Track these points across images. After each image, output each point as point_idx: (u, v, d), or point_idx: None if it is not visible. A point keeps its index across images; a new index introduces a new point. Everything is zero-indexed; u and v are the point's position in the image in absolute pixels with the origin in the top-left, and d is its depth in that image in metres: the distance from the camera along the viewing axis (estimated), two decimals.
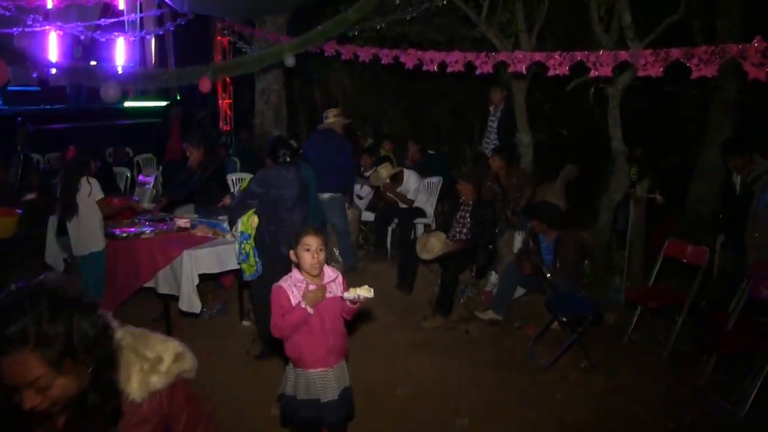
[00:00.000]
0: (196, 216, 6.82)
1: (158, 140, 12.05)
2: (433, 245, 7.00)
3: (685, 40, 5.10)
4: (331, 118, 7.86)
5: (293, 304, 3.66)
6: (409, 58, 6.43)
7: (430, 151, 10.95)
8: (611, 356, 6.04)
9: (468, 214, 7.26)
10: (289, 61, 6.83)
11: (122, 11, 14.82)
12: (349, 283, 3.95)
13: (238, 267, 5.77)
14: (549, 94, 10.98)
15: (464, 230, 7.26)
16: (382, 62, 6.80)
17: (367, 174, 9.69)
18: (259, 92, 11.67)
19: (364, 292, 3.67)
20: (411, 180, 8.97)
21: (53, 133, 14.69)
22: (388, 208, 9.02)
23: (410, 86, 14.45)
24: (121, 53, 16.21)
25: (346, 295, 3.69)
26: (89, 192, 6.13)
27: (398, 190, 8.86)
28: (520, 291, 7.22)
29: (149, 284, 6.13)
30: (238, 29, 11.38)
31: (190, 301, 5.77)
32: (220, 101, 16.60)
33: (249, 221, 5.46)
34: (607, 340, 6.37)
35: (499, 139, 9.03)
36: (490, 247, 7.26)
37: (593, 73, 4.92)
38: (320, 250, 3.74)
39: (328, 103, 15.45)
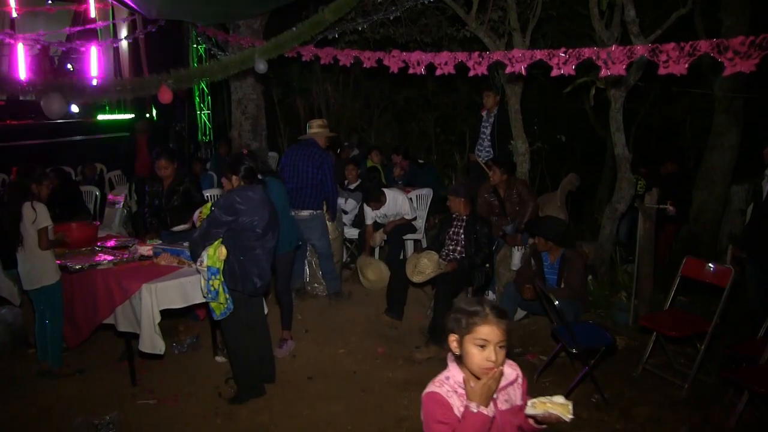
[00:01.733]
0: (159, 242, 6.12)
1: (126, 156, 11.29)
2: (424, 266, 6.34)
3: (689, 36, 4.54)
4: (315, 128, 7.18)
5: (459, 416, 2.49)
6: (394, 61, 5.78)
7: (420, 161, 10.30)
8: (625, 389, 5.38)
9: (462, 231, 6.61)
10: (260, 66, 6.15)
11: (94, 19, 14.31)
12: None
13: (204, 301, 5.04)
14: (545, 98, 10.39)
15: (458, 248, 6.61)
16: (364, 65, 6.15)
17: (352, 186, 9.04)
18: (235, 102, 11.00)
19: (560, 410, 2.47)
20: (399, 200, 8.15)
21: (21, 150, 14.00)
22: (374, 225, 8.36)
23: (396, 93, 13.90)
24: (94, 64, 15.54)
25: (531, 410, 2.53)
26: (33, 219, 5.40)
27: (391, 214, 8.15)
28: (520, 313, 6.58)
29: (109, 320, 5.44)
30: (212, 35, 10.74)
31: (152, 342, 5.07)
32: (198, 112, 16.03)
33: (216, 253, 4.75)
34: (619, 370, 5.71)
35: (492, 146, 8.42)
36: (487, 266, 6.60)
37: (605, 72, 4.28)
38: (501, 346, 2.52)
39: (311, 113, 14.89)
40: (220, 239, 4.75)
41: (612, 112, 7.37)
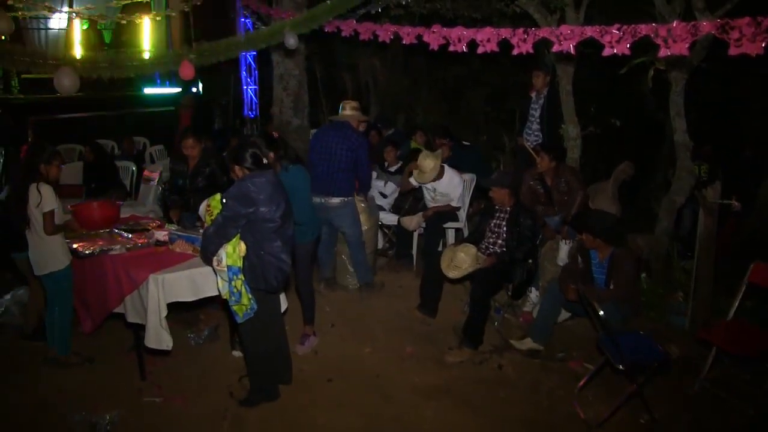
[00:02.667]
0: (175, 227, 5.74)
1: (169, 130, 11.02)
2: (461, 261, 5.87)
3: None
4: (348, 110, 6.68)
5: None
6: (434, 37, 5.34)
7: (465, 142, 9.75)
8: (679, 410, 4.83)
9: (504, 223, 6.10)
10: (290, 41, 5.71)
11: None
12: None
13: (217, 294, 4.64)
14: (599, 79, 9.74)
15: (499, 241, 6.10)
16: (404, 42, 5.71)
17: (392, 169, 8.56)
18: (277, 78, 10.59)
19: None
20: (454, 182, 7.50)
21: (66, 123, 13.95)
22: (413, 209, 7.89)
23: (445, 70, 13.35)
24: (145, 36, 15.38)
25: None
26: (38, 202, 5.06)
27: (439, 192, 7.59)
28: (564, 314, 6.07)
29: (120, 310, 5.10)
30: (255, 8, 10.38)
31: (158, 337, 4.69)
32: (245, 87, 15.73)
33: (236, 251, 4.32)
34: (672, 386, 5.14)
35: (541, 130, 7.87)
36: (530, 261, 6.09)
37: (664, 52, 3.74)
38: None
39: (358, 89, 14.47)
40: (238, 235, 4.34)
41: (672, 96, 6.81)
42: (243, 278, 4.33)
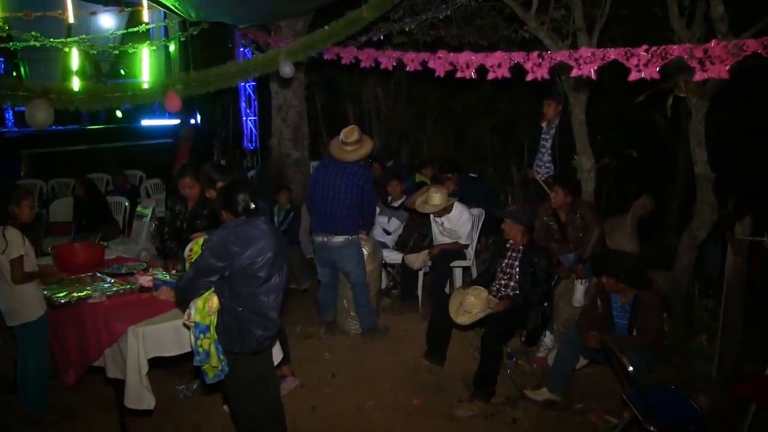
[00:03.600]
0: (160, 273, 5.30)
1: (167, 163, 10.63)
2: (471, 305, 5.41)
3: None
4: (350, 147, 6.23)
5: None
6: (440, 63, 4.95)
7: (471, 174, 9.33)
8: None
9: (517, 263, 5.65)
10: (285, 70, 5.34)
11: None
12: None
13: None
14: (613, 108, 9.34)
15: (511, 284, 5.65)
16: (408, 69, 5.33)
17: (395, 204, 8.13)
18: (276, 108, 10.25)
19: None
20: (463, 218, 7.14)
21: (62, 156, 13.66)
22: (418, 246, 7.45)
23: (452, 99, 13.00)
24: (144, 66, 15.13)
25: None
26: (4, 248, 4.62)
27: (447, 227, 7.19)
28: (582, 360, 5.59)
29: (99, 363, 4.65)
30: (253, 37, 10.04)
31: (139, 396, 4.24)
32: (244, 118, 15.43)
33: (205, 306, 3.84)
34: None
35: (553, 161, 7.44)
36: (545, 305, 5.64)
37: (701, 76, 3.33)
38: None
39: (361, 120, 14.13)
40: (212, 288, 3.89)
41: (692, 125, 6.39)
42: (214, 337, 3.85)
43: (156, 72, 15.51)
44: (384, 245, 7.70)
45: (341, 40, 6.50)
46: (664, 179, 11.00)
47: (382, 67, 5.82)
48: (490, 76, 4.50)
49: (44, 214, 9.96)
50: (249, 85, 15.51)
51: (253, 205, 3.98)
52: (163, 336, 4.36)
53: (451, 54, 4.85)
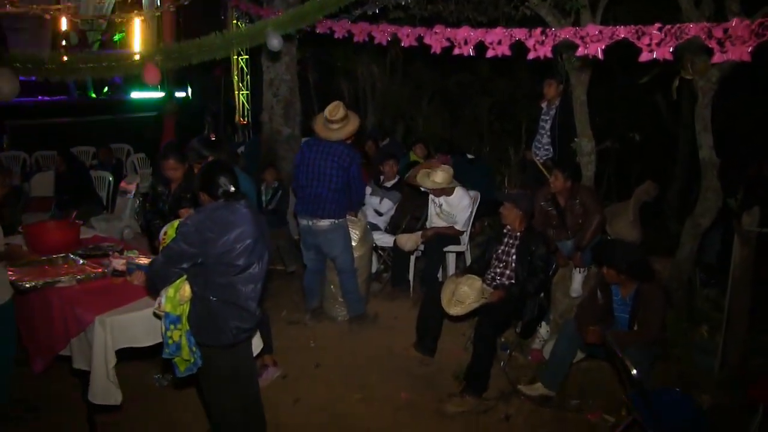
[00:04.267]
0: (136, 254, 5.01)
1: (155, 138, 10.30)
2: (464, 295, 5.14)
3: None
4: (336, 125, 5.93)
5: None
6: (436, 39, 4.63)
7: (469, 155, 9.03)
8: None
9: (514, 251, 5.38)
10: (273, 42, 5.00)
11: None
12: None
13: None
14: (615, 89, 9.04)
15: (507, 272, 5.38)
16: (403, 44, 5.02)
17: (388, 184, 7.83)
18: (267, 83, 9.90)
19: None
20: (463, 203, 6.84)
21: (48, 129, 13.32)
22: (411, 228, 7.17)
23: (448, 78, 12.67)
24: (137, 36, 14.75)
25: None
26: None
27: (445, 209, 6.89)
28: (579, 354, 5.32)
29: (65, 352, 4.35)
30: (244, 8, 9.68)
31: (105, 391, 3.94)
32: (237, 92, 15.10)
33: (177, 295, 3.55)
34: None
35: (552, 143, 7.17)
36: (542, 295, 5.37)
37: (720, 57, 3.04)
38: None
39: (356, 97, 13.83)
40: (184, 276, 3.61)
41: (698, 108, 6.10)
42: (186, 327, 3.58)
43: (147, 44, 15.13)
44: (375, 227, 7.42)
45: (334, 13, 6.20)
46: (665, 163, 10.73)
47: (376, 42, 5.50)
48: (490, 53, 4.20)
49: (26, 188, 9.66)
50: (242, 59, 15.19)
51: (232, 188, 3.68)
52: (133, 326, 4.05)
53: (449, 29, 4.54)
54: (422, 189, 6.77)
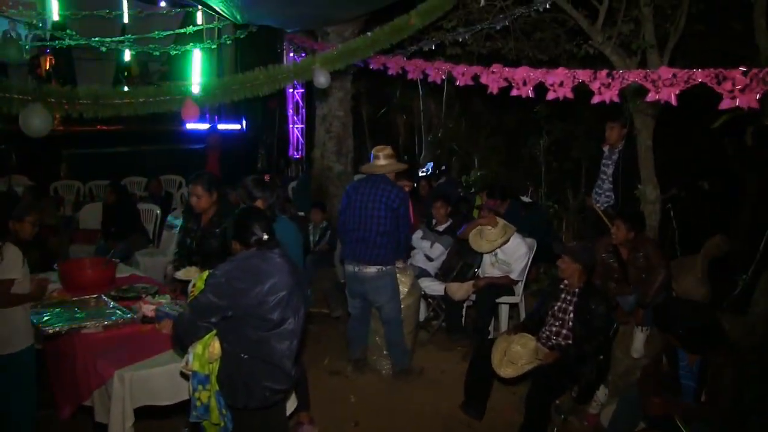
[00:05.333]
0: (167, 299, 4.76)
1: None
2: (516, 355, 4.76)
3: None
4: (382, 159, 5.69)
5: None
6: (494, 79, 4.37)
7: (524, 198, 8.65)
8: None
9: (571, 308, 4.97)
10: (320, 80, 4.79)
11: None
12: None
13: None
14: (684, 134, 8.57)
15: (564, 331, 4.98)
16: (457, 83, 4.78)
17: (440, 228, 7.49)
18: (319, 119, 9.75)
19: None
20: (520, 252, 6.51)
21: (103, 158, 13.38)
22: (463, 275, 6.80)
23: (506, 115, 12.34)
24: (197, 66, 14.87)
25: None
26: None
27: (501, 258, 6.56)
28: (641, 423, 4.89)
29: (89, 403, 4.09)
30: (299, 42, 9.54)
31: None
32: (291, 126, 15.02)
33: (205, 352, 3.28)
34: None
35: (614, 190, 6.76)
36: (601, 357, 4.95)
37: None
38: None
39: (411, 132, 13.61)
40: (214, 331, 3.33)
41: None
42: (214, 389, 3.29)
43: (206, 75, 15.18)
44: (425, 273, 7.09)
45: (388, 49, 5.97)
46: (730, 212, 10.15)
47: (430, 80, 5.27)
48: (550, 95, 3.92)
49: (76, 218, 9.59)
50: (297, 92, 15.12)
51: (266, 236, 3.42)
52: (155, 382, 3.77)
53: (507, 69, 4.26)
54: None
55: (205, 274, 3.52)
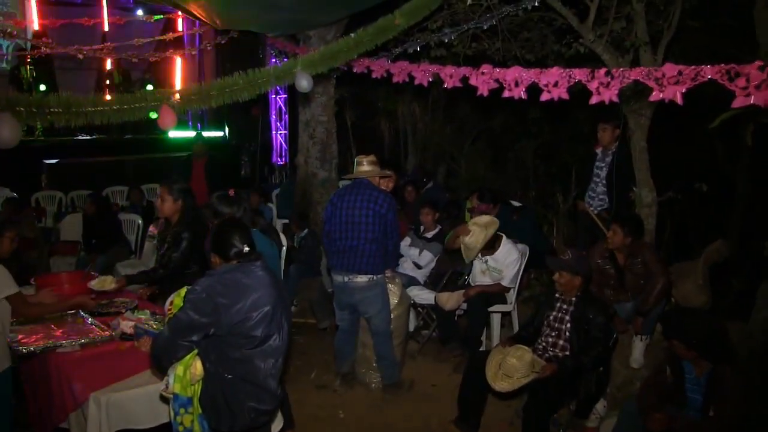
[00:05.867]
0: (147, 315, 4.53)
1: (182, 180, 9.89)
2: (512, 369, 4.52)
3: None
4: (366, 165, 5.49)
5: None
6: (484, 80, 4.15)
7: (514, 203, 8.45)
8: None
9: (568, 317, 4.75)
10: (303, 83, 4.53)
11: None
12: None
13: None
14: (679, 134, 8.41)
15: (560, 342, 4.76)
16: (445, 86, 4.55)
17: (429, 235, 7.27)
18: (303, 124, 9.53)
19: None
20: (511, 258, 6.25)
21: (84, 167, 13.13)
22: (452, 283, 6.59)
23: (492, 119, 12.17)
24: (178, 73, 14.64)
25: None
26: None
27: (491, 266, 6.32)
28: None
29: (66, 425, 3.85)
30: (281, 47, 9.32)
31: None
32: (274, 132, 14.80)
33: (186, 373, 3.06)
34: None
35: (608, 193, 6.57)
36: (601, 369, 4.74)
37: None
38: None
39: (396, 137, 13.40)
40: (195, 351, 3.10)
41: None
42: (197, 412, 3.07)
43: (188, 82, 14.94)
44: (414, 281, 6.86)
45: (372, 51, 5.76)
46: (723, 214, 10.01)
47: (416, 82, 5.05)
48: (544, 96, 3.72)
49: (57, 229, 9.33)
50: (280, 98, 14.92)
51: (247, 248, 3.20)
52: (134, 404, 3.52)
53: (497, 70, 4.05)
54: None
55: (184, 290, 3.33)
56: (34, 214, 10.05)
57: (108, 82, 14.51)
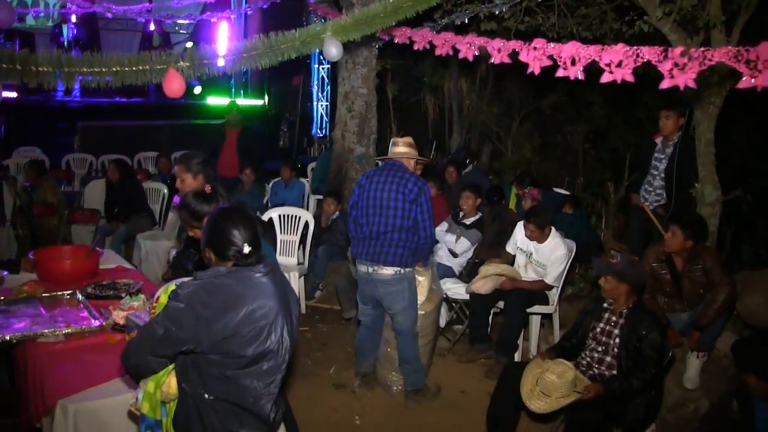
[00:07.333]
0: (143, 303, 4.06)
1: (212, 149, 9.41)
2: (551, 386, 3.98)
3: None
4: (401, 146, 4.98)
5: None
6: (536, 56, 3.57)
7: (558, 190, 7.85)
8: None
9: (617, 331, 4.18)
10: (332, 51, 4.00)
11: None
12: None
13: None
14: (751, 125, 7.71)
15: (607, 359, 4.20)
16: (492, 61, 3.98)
17: (468, 221, 6.74)
18: (341, 96, 9.00)
19: None
20: (557, 253, 5.69)
21: (117, 131, 12.84)
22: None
23: (542, 98, 11.54)
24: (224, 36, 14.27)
25: None
26: None
27: (534, 259, 5.79)
28: None
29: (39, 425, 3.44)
30: (323, 13, 8.83)
31: None
32: (315, 103, 14.36)
33: (157, 392, 2.60)
34: None
35: (667, 188, 5.98)
36: (653, 392, 4.17)
37: None
38: None
39: (441, 115, 12.85)
40: (171, 365, 2.62)
41: None
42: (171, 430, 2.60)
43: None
44: (449, 271, 6.36)
45: (415, 21, 5.24)
46: None
47: (461, 56, 4.50)
48: (605, 78, 3.12)
49: (83, 195, 8.98)
50: (323, 68, 14.47)
51: (247, 248, 2.65)
52: (107, 415, 3.06)
53: (552, 45, 3.48)
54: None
55: (172, 286, 2.82)
56: (58, 177, 9.75)
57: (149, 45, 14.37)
